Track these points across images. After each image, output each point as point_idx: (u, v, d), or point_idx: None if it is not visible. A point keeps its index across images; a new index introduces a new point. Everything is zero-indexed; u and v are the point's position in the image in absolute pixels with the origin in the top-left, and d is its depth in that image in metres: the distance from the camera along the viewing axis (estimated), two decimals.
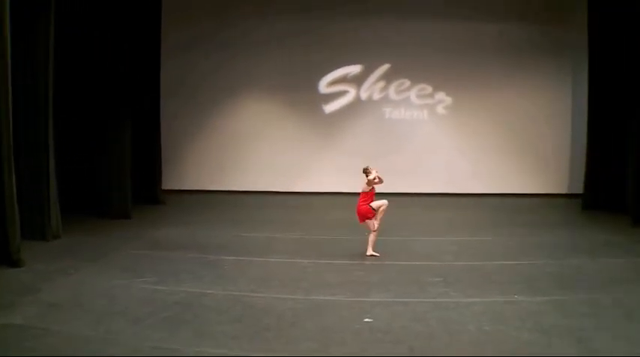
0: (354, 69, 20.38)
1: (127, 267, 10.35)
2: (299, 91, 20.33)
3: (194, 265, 10.55)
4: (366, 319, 7.65)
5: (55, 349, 6.69)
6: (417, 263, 10.78)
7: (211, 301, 8.44)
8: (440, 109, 20.39)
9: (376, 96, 20.41)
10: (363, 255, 11.23)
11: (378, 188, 11.45)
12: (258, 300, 8.54)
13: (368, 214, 11.20)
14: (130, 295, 8.69)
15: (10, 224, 10.38)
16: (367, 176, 11.31)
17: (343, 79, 20.43)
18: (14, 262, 10.20)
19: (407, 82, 20.32)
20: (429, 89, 20.33)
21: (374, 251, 11.21)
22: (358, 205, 11.30)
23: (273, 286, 9.29)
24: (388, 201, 11.35)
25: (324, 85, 20.47)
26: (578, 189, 18.26)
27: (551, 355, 6.64)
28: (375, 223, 11.21)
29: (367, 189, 11.31)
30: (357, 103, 20.49)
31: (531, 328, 7.32)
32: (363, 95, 20.44)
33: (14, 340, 6.93)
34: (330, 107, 20.53)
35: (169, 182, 19.51)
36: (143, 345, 6.84)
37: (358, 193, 11.49)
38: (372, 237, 11.26)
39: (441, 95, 20.34)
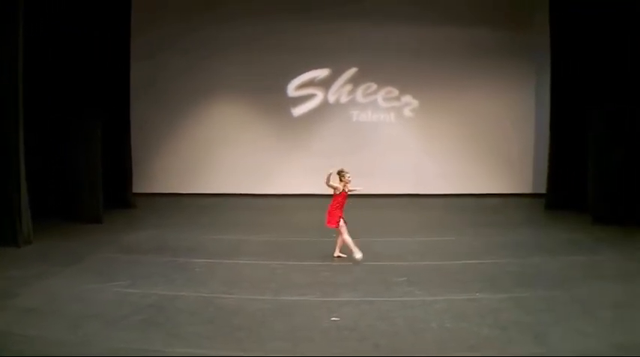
0: (322, 72, 20.59)
1: (101, 271, 10.46)
2: (268, 94, 20.47)
3: (166, 268, 10.71)
4: (333, 318, 7.96)
5: (33, 355, 6.84)
6: (384, 263, 11.07)
7: (183, 303, 8.66)
8: (406, 112, 20.68)
9: (344, 99, 20.65)
10: (330, 256, 11.52)
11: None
12: (229, 301, 8.77)
13: (333, 221, 11.36)
14: (105, 299, 8.84)
15: None
16: (341, 179, 11.45)
17: (311, 83, 20.63)
18: None
19: (374, 86, 20.59)
20: (396, 92, 20.61)
21: (341, 253, 11.50)
22: (330, 209, 11.46)
23: (244, 288, 9.53)
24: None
25: (292, 89, 20.65)
26: (542, 189, 18.66)
27: (510, 349, 6.99)
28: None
29: (337, 191, 11.41)
30: (324, 106, 20.71)
31: (491, 325, 7.68)
32: (331, 98, 20.67)
33: None
34: (298, 110, 20.73)
35: (140, 185, 19.47)
36: (119, 347, 7.03)
37: (326, 195, 11.74)
38: (340, 239, 11.47)
39: (407, 98, 20.63)
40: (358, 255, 11.10)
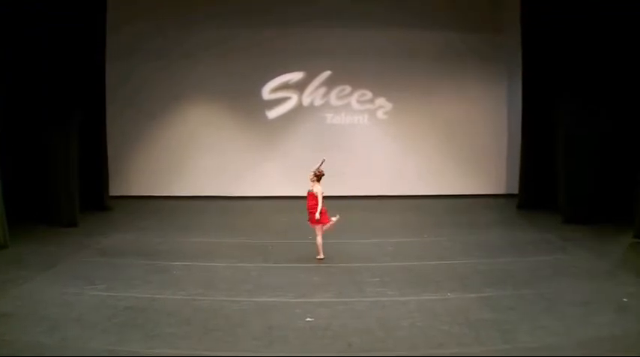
0: (296, 76, 20.66)
1: (78, 275, 10.52)
2: (242, 97, 20.49)
3: (143, 270, 10.81)
4: (308, 319, 8.16)
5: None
6: (357, 265, 11.24)
7: (161, 305, 8.81)
8: (380, 114, 20.81)
9: (318, 102, 20.73)
10: (305, 258, 11.68)
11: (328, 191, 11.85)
12: (205, 303, 8.93)
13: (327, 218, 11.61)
14: (83, 302, 8.94)
15: None
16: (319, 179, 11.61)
17: (285, 86, 20.69)
18: None
19: (348, 88, 20.68)
20: (370, 95, 20.74)
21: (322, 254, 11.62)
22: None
23: (220, 289, 9.69)
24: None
25: (267, 92, 20.70)
26: (515, 189, 18.91)
27: (479, 347, 7.24)
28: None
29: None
30: (299, 109, 20.77)
31: (461, 323, 7.94)
32: (305, 101, 20.73)
33: None
34: (273, 113, 20.78)
35: (115, 188, 19.38)
36: (97, 349, 7.17)
37: (301, 197, 11.94)
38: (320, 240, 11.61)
39: (381, 101, 20.76)
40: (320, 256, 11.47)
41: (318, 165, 11.65)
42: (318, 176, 11.54)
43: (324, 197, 11.56)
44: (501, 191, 20.55)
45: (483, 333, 7.60)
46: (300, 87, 20.73)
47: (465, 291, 9.46)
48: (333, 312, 8.48)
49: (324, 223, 11.49)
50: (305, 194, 11.74)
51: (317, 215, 11.30)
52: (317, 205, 11.38)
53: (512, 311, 8.40)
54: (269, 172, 20.30)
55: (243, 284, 10.02)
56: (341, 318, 8.22)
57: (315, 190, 11.42)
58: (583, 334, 7.54)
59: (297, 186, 20.04)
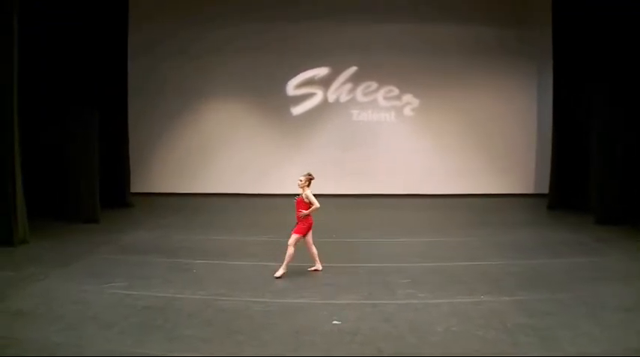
0: (322, 71, 20.48)
1: (97, 272, 10.29)
2: (267, 94, 20.40)
3: (164, 269, 10.55)
4: (335, 322, 7.76)
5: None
6: (385, 265, 10.88)
7: (182, 305, 8.47)
8: (407, 111, 20.57)
9: (344, 98, 20.54)
10: (331, 257, 11.25)
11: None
12: (228, 303, 8.58)
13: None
14: (101, 301, 8.66)
15: None
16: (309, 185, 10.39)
17: (310, 82, 20.53)
18: None
19: (374, 85, 20.48)
20: (396, 91, 20.50)
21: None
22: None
23: (243, 289, 9.33)
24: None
25: (291, 88, 20.54)
26: (544, 189, 18.54)
27: (517, 354, 6.79)
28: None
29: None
30: (324, 106, 20.60)
31: (497, 328, 7.48)
32: (331, 97, 20.56)
33: None
34: (297, 109, 20.65)
35: (137, 185, 19.44)
36: (114, 351, 6.86)
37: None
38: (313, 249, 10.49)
39: (408, 97, 20.52)
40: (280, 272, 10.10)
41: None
42: (310, 180, 10.43)
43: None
44: (530, 191, 20.26)
45: (522, 339, 7.15)
46: (325, 83, 20.59)
47: (499, 294, 9.01)
48: (361, 315, 8.07)
49: (303, 234, 10.22)
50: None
51: (302, 213, 10.22)
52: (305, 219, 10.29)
53: (551, 316, 7.93)
54: (293, 170, 19.94)
55: (267, 284, 9.68)
56: (370, 321, 7.81)
57: (305, 195, 10.29)
58: (630, 343, 7.05)
59: (322, 184, 19.94)
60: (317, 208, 10.18)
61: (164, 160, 20.60)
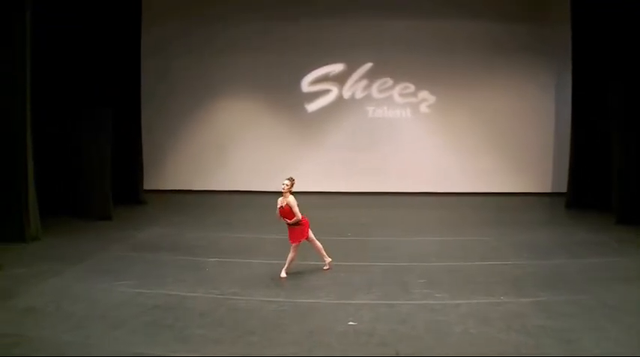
0: (337, 68, 20.26)
1: (108, 269, 10.18)
2: (281, 90, 20.22)
3: (176, 267, 10.41)
4: (351, 322, 7.56)
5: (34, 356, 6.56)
6: (401, 264, 10.67)
7: (193, 304, 8.32)
8: (423, 108, 20.30)
9: (359, 95, 20.32)
10: (346, 255, 11.11)
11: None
12: (241, 303, 8.42)
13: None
14: (111, 299, 8.55)
15: None
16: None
17: (325, 78, 20.31)
18: None
19: (390, 81, 20.23)
20: (412, 88, 20.24)
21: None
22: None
23: (257, 289, 9.16)
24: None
25: (306, 84, 20.33)
26: (562, 188, 18.25)
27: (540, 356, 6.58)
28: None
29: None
30: (339, 102, 20.38)
31: (518, 330, 7.26)
32: (346, 94, 20.33)
33: None
34: (312, 106, 20.43)
35: (151, 182, 19.33)
36: (123, 350, 6.72)
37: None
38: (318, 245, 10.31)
39: (424, 94, 20.26)
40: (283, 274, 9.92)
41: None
42: (292, 185, 10.02)
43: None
44: (547, 190, 19.93)
45: (544, 342, 6.92)
46: (340, 79, 20.38)
47: (518, 294, 8.77)
48: (377, 315, 7.87)
49: (304, 238, 9.99)
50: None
51: (296, 218, 9.86)
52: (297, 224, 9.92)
53: (573, 319, 7.69)
54: (308, 167, 19.83)
55: (281, 283, 9.52)
56: (386, 322, 7.60)
57: (288, 203, 9.88)
58: None
59: (338, 181, 19.75)
60: (299, 220, 9.87)
61: (178, 158, 20.48)
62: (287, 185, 9.93)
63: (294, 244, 9.91)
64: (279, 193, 9.97)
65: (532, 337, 7.04)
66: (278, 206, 9.96)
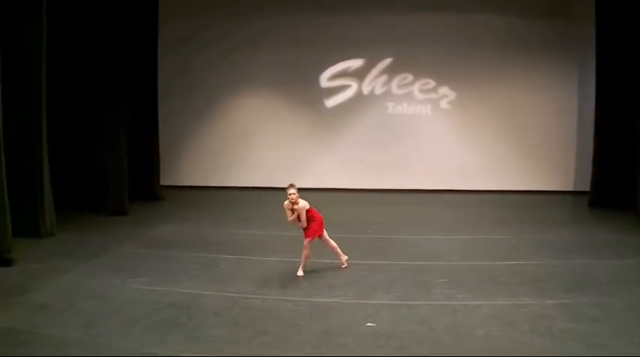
0: (356, 63, 20.03)
1: (122, 266, 10.06)
2: (299, 86, 20.03)
3: (191, 264, 10.24)
4: (369, 324, 7.32)
5: (42, 354, 6.41)
6: (421, 263, 10.42)
7: (207, 303, 8.14)
8: (443, 104, 20.01)
9: (378, 90, 20.06)
10: (365, 254, 10.89)
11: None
12: (256, 302, 8.21)
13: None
14: (123, 296, 8.40)
15: (1, 221, 10.19)
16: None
17: (344, 73, 20.08)
18: (5, 261, 10.01)
19: (410, 77, 19.95)
20: (432, 84, 19.95)
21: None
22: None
23: (273, 287, 8.96)
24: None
25: (325, 79, 20.13)
26: (585, 186, 17.89)
27: None
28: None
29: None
30: (359, 98, 20.14)
31: (542, 334, 6.97)
32: (365, 89, 20.09)
33: None
34: (331, 102, 20.21)
35: (168, 178, 19.27)
36: (134, 350, 6.55)
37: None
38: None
39: (444, 90, 19.96)
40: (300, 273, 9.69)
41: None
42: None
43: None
44: (569, 188, 19.58)
45: (569, 346, 6.64)
46: (360, 75, 20.14)
47: (542, 296, 8.46)
48: (396, 316, 7.62)
49: (319, 235, 9.80)
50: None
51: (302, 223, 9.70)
52: (312, 220, 9.72)
53: (600, 323, 7.37)
54: (327, 163, 19.66)
55: (298, 282, 9.29)
56: (406, 323, 7.34)
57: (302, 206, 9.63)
58: None
59: (357, 178, 19.54)
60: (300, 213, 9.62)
61: (195, 154, 20.37)
62: (295, 195, 9.61)
63: (308, 240, 9.66)
64: (299, 190, 9.68)
65: (557, 341, 6.76)
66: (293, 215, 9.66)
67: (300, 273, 9.61)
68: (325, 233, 9.89)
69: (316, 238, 9.75)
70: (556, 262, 10.57)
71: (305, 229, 9.71)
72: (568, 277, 9.55)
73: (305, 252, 9.67)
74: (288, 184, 9.72)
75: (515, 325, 7.28)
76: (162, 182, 18.47)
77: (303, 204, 9.62)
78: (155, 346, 6.61)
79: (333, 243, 9.99)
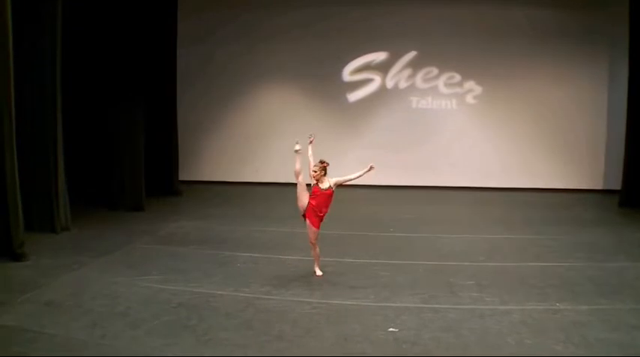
0: (379, 56, 19.62)
1: (134, 263, 9.78)
2: (321, 80, 19.70)
3: (205, 262, 9.92)
4: (391, 329, 6.88)
5: (40, 355, 6.16)
6: (447, 263, 9.99)
7: (219, 304, 7.77)
8: (469, 99, 19.55)
9: (402, 84, 19.65)
10: (388, 253, 10.42)
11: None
12: (271, 303, 7.84)
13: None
14: (133, 295, 8.08)
15: (13, 216, 9.99)
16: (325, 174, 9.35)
17: (367, 67, 19.69)
18: (17, 257, 9.83)
19: (435, 70, 19.51)
20: (458, 78, 19.50)
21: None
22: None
23: (290, 287, 8.57)
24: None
25: (347, 73, 19.76)
26: (615, 185, 17.39)
27: None
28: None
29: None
30: (382, 92, 19.76)
31: (577, 343, 6.50)
32: (389, 83, 19.69)
33: (2, 344, 6.43)
34: (354, 96, 19.82)
35: (188, 173, 19.13)
36: (139, 351, 6.24)
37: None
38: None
39: (470, 84, 19.50)
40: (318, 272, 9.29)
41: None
42: (325, 168, 9.39)
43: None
44: (599, 186, 19.06)
45: None
46: (383, 68, 19.74)
47: (576, 301, 7.96)
48: (421, 321, 7.16)
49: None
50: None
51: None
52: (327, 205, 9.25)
53: (638, 331, 6.87)
54: (349, 160, 19.16)
55: (316, 282, 8.88)
56: (431, 329, 6.89)
57: (329, 187, 9.30)
58: None
59: (379, 174, 19.14)
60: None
61: (215, 149, 20.14)
62: (315, 172, 9.34)
63: (314, 233, 9.13)
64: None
65: (594, 352, 6.29)
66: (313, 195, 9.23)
67: (318, 273, 9.20)
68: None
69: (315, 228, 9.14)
70: (588, 264, 10.06)
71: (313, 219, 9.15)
72: (602, 281, 9.04)
73: (315, 251, 9.24)
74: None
75: (547, 332, 6.80)
76: (182, 177, 18.27)
77: (332, 181, 9.28)
78: (161, 349, 6.27)
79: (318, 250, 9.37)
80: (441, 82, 19.55)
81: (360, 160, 18.71)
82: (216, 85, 19.92)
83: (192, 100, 19.41)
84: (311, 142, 9.66)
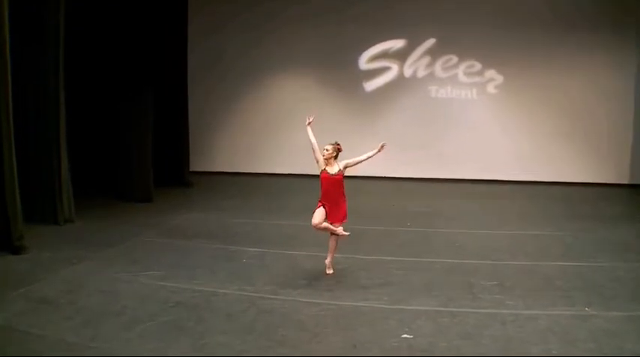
0: (397, 44, 19.08)
1: (136, 257, 9.41)
2: (337, 69, 19.21)
3: (210, 257, 9.51)
4: (405, 335, 6.35)
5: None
6: (467, 262, 9.44)
7: (220, 303, 7.32)
8: (490, 89, 18.96)
9: (421, 73, 19.10)
10: (404, 249, 9.92)
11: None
12: (276, 303, 7.36)
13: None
14: (131, 292, 7.69)
15: (11, 208, 9.73)
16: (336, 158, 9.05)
17: (385, 55, 19.16)
18: (15, 249, 9.57)
19: (454, 59, 18.92)
20: (479, 66, 18.91)
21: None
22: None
23: (297, 286, 8.08)
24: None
25: (364, 61, 19.25)
26: None
27: None
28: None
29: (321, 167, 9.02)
30: (400, 81, 19.23)
31: (612, 356, 5.92)
32: (407, 72, 19.15)
33: None
34: (371, 85, 19.31)
35: (200, 164, 18.91)
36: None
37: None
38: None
39: (491, 73, 18.89)
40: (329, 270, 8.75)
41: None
42: (338, 150, 9.16)
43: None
44: (625, 181, 18.43)
45: None
46: (401, 56, 19.15)
47: (606, 306, 7.37)
48: (437, 327, 6.62)
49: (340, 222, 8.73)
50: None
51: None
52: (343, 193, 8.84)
53: None
54: (365, 150, 18.68)
55: (325, 281, 8.37)
56: (448, 336, 6.34)
57: (339, 171, 8.97)
58: None
59: (397, 166, 18.59)
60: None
61: (227, 139, 19.76)
62: (327, 151, 9.08)
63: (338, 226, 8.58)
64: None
65: None
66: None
67: (330, 271, 8.67)
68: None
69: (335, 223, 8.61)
70: (618, 264, 9.44)
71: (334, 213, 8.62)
72: (635, 284, 8.44)
73: (332, 243, 8.68)
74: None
75: (577, 342, 6.23)
76: (194, 168, 18.05)
77: (342, 164, 8.99)
78: (152, 353, 5.83)
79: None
80: (460, 71, 18.95)
81: (376, 150, 18.39)
82: (229, 75, 19.53)
83: (206, 90, 19.10)
84: (309, 123, 8.99)
